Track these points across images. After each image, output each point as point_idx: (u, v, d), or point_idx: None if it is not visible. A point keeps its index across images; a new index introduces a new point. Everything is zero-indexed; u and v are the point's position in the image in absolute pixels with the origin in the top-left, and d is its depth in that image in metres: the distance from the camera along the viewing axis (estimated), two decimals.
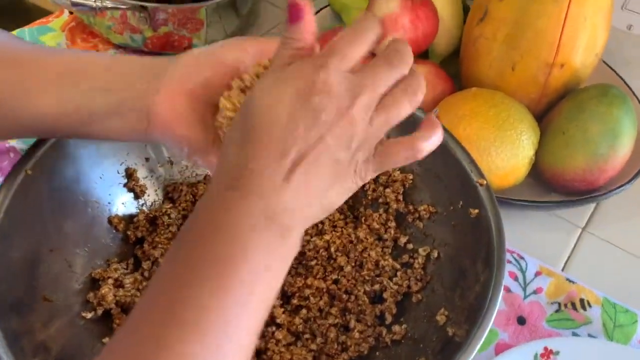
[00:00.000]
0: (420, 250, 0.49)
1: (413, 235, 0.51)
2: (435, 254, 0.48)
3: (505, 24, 0.54)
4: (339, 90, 0.29)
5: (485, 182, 0.45)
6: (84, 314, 0.44)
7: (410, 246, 0.50)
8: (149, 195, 0.52)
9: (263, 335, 0.43)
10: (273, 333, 0.43)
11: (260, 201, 0.29)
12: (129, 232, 0.49)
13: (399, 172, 0.52)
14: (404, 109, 0.31)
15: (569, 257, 0.56)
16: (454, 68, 0.63)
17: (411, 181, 0.51)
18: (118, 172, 0.50)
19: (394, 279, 0.48)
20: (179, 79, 0.35)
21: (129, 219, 0.50)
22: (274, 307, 0.44)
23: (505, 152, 0.52)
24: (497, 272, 0.40)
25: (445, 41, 0.63)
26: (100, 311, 0.45)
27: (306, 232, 0.49)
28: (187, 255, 0.28)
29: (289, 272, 0.46)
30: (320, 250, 0.48)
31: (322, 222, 0.50)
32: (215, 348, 0.26)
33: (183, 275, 0.27)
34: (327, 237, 0.48)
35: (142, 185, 0.51)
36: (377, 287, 0.48)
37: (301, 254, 0.48)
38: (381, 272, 0.48)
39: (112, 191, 0.50)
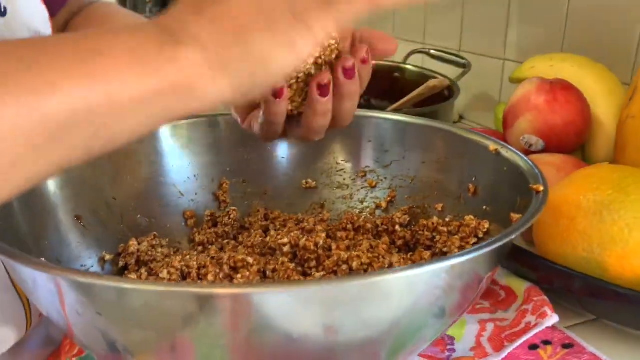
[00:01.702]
0: None
1: None
2: None
3: None
4: None
5: (542, 188, 0.34)
6: (105, 253, 0.45)
7: None
8: (229, 210, 0.53)
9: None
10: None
11: (161, 22, 0.28)
12: (194, 230, 0.51)
13: (472, 217, 0.42)
14: None
15: None
16: None
17: (486, 229, 0.41)
18: (213, 180, 0.54)
19: None
20: None
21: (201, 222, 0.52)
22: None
23: (626, 219, 0.38)
24: None
25: (606, 146, 0.53)
26: (121, 263, 0.45)
27: (337, 246, 0.43)
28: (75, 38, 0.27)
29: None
30: (342, 266, 0.40)
31: (360, 243, 0.43)
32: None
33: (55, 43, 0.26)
34: (356, 253, 0.41)
35: (228, 199, 0.53)
36: None
37: (318, 263, 0.41)
38: None
39: (200, 192, 0.53)
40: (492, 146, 0.43)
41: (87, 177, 0.46)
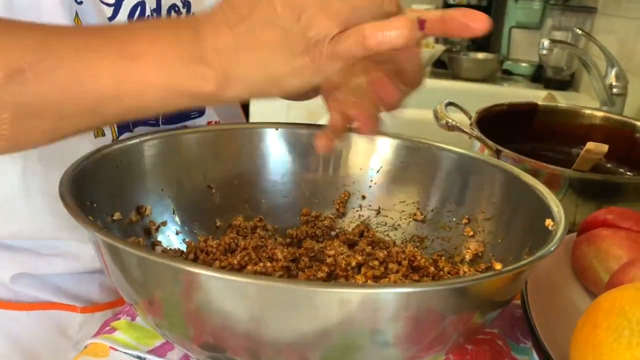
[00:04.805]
0: None
1: None
2: None
3: None
4: None
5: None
6: (218, 220, 0.55)
7: None
8: (326, 216, 0.57)
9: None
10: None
11: (197, 34, 0.35)
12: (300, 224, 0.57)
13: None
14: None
15: None
16: None
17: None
18: (337, 189, 0.59)
19: None
20: None
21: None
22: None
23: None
24: None
25: None
26: (228, 232, 0.55)
27: (365, 273, 0.44)
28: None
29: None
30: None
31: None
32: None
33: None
34: (374, 283, 0.42)
35: (342, 209, 0.58)
36: None
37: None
38: None
39: (323, 196, 0.58)
40: (548, 221, 0.38)
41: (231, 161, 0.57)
